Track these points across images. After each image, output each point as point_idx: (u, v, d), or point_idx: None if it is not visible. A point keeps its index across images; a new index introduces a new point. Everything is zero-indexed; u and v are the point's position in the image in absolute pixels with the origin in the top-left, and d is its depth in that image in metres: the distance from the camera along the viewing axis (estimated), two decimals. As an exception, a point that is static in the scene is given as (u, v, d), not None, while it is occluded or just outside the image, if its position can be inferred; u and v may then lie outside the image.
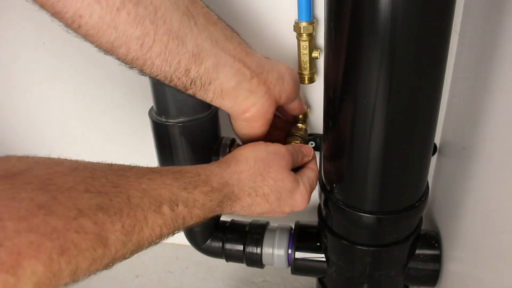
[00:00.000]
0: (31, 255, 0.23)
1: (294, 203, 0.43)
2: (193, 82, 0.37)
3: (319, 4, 0.48)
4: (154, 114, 0.47)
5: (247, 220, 0.58)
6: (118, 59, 0.34)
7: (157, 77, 0.36)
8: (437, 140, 0.52)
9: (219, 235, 0.56)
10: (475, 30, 0.43)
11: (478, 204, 0.40)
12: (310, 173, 0.46)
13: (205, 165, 0.39)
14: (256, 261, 0.55)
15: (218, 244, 0.56)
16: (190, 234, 0.56)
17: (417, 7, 0.31)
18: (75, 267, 0.25)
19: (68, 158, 0.30)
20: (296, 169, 0.45)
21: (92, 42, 0.33)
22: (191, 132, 0.46)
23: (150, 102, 0.48)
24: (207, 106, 0.44)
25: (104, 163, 0.32)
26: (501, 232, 0.35)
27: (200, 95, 0.39)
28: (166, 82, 0.37)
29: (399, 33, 0.31)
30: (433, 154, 0.51)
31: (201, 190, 0.36)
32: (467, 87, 0.45)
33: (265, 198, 0.41)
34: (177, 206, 0.33)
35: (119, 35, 0.32)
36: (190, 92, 0.38)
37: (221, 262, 0.57)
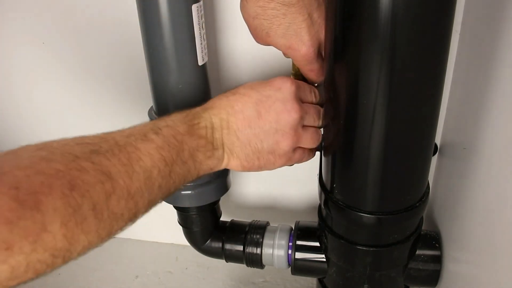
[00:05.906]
0: (46, 192, 0.25)
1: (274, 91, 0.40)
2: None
3: (319, 3, 0.48)
4: (154, 114, 0.47)
5: (247, 220, 0.57)
6: None
7: None
8: (437, 140, 0.52)
9: (219, 236, 0.56)
10: (475, 30, 0.43)
11: (479, 204, 0.40)
12: None
13: None
14: (256, 262, 0.54)
15: (218, 245, 0.55)
16: (190, 234, 0.56)
17: (417, 7, 0.30)
18: (91, 201, 0.27)
19: None
20: None
21: None
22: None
23: (149, 102, 0.48)
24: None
25: None
26: (502, 233, 0.34)
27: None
28: None
29: (399, 33, 0.31)
30: (434, 154, 0.50)
31: (176, 115, 0.37)
32: (467, 86, 0.45)
33: (241, 94, 0.40)
34: (160, 129, 0.35)
35: None
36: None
37: (221, 262, 0.57)
